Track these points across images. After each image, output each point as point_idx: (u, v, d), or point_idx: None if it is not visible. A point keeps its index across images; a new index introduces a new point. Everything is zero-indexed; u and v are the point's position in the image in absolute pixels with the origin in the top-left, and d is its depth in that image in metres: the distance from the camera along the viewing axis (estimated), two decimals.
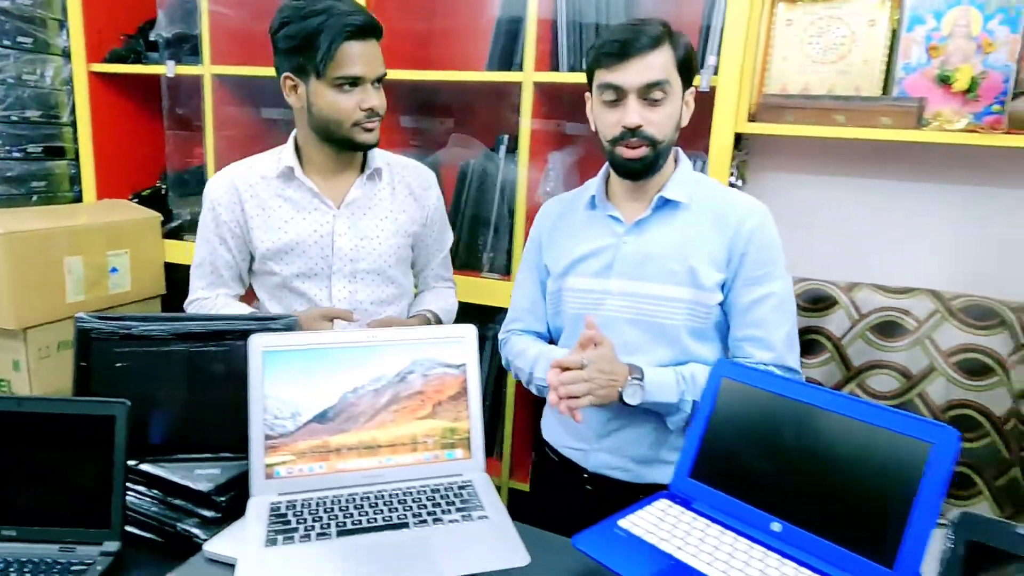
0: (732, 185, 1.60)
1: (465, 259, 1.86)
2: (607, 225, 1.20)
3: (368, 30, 1.19)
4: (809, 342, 1.52)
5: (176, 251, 2.06)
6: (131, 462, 0.97)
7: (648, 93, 1.08)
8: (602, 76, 1.11)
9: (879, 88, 1.48)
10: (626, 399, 1.07)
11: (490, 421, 1.91)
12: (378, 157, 1.34)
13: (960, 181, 1.52)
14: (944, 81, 1.42)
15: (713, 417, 0.95)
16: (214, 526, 0.93)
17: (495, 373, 1.88)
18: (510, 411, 1.82)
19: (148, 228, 2.01)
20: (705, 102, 1.46)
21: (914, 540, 0.74)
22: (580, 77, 1.62)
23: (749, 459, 0.90)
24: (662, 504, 0.92)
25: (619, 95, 1.09)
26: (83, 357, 1.01)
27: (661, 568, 0.78)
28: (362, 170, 1.33)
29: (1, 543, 0.92)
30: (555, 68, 1.67)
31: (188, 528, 0.94)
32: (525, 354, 1.26)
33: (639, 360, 1.13)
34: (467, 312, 1.62)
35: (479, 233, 1.85)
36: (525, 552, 0.82)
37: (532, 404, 1.90)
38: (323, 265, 1.31)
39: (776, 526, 0.85)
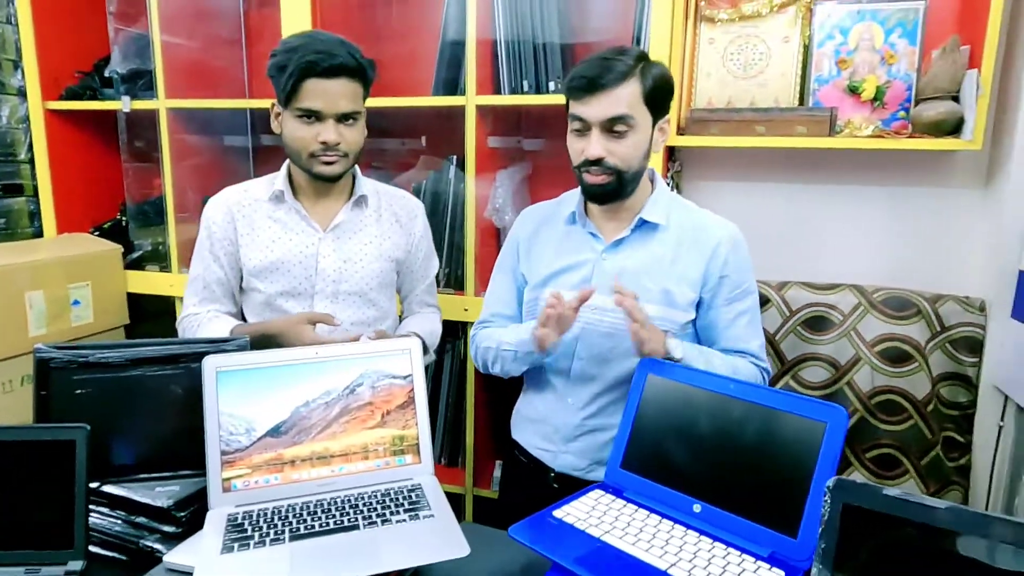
0: None
1: None
2: (587, 241, 1.25)
3: (335, 70, 1.24)
4: None
5: (138, 281, 2.10)
6: (93, 484, 1.01)
7: (612, 126, 1.12)
8: (572, 107, 1.16)
9: (795, 99, 1.59)
10: (671, 351, 1.11)
11: (453, 432, 1.97)
12: (365, 185, 1.41)
13: (873, 182, 1.64)
14: (853, 91, 1.53)
15: (640, 411, 1.03)
16: (175, 541, 0.98)
17: (456, 384, 1.94)
18: (471, 421, 1.88)
19: (109, 260, 2.04)
20: None
21: (814, 510, 0.83)
22: (520, 100, 1.71)
23: (672, 448, 0.98)
24: (595, 494, 0.99)
25: (584, 126, 1.14)
26: (43, 386, 1.05)
27: (588, 550, 0.85)
28: (350, 196, 1.39)
29: None
30: (497, 90, 1.76)
31: (150, 544, 0.99)
32: (492, 335, 1.31)
33: (612, 369, 1.21)
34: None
35: (435, 246, 1.92)
36: (465, 544, 0.88)
37: (495, 413, 1.97)
38: (306, 285, 1.36)
39: (697, 507, 0.93)
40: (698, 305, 1.21)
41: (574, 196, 1.29)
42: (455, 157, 1.86)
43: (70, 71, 2.15)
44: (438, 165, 1.94)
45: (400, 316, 1.56)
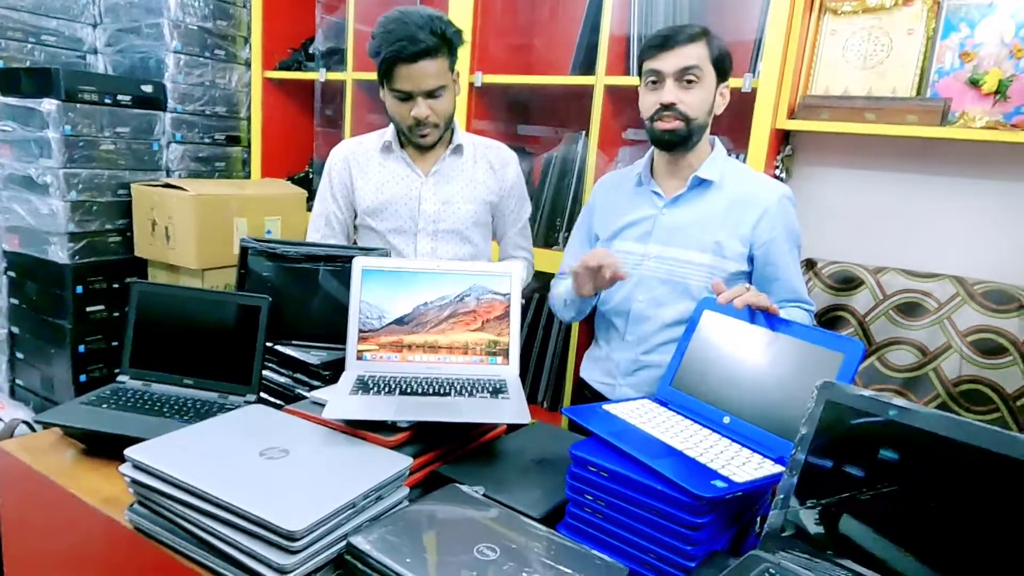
0: (777, 178, 1.80)
1: (545, 236, 2.17)
2: (650, 199, 1.44)
3: (420, 54, 1.41)
4: (835, 318, 1.68)
5: None
6: (268, 343, 1.36)
7: (683, 76, 1.32)
8: (647, 64, 1.36)
9: (914, 91, 1.62)
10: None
11: (556, 379, 2.20)
12: (462, 136, 1.63)
13: (987, 176, 1.62)
14: (974, 84, 1.54)
15: (693, 340, 1.19)
16: None
17: (563, 334, 2.16)
18: (571, 370, 2.09)
19: (296, 201, 2.50)
20: (749, 103, 1.68)
21: None
22: None
23: (714, 371, 1.13)
24: (643, 402, 1.17)
25: (659, 78, 1.34)
26: (243, 266, 1.42)
27: (620, 429, 1.04)
28: (448, 144, 1.63)
29: (185, 388, 1.34)
30: (627, 74, 1.95)
31: (302, 393, 1.32)
32: (558, 285, 1.54)
33: (666, 310, 1.39)
34: (546, 279, 1.91)
35: (557, 214, 2.15)
36: (528, 415, 1.10)
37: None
38: (411, 223, 1.61)
39: (727, 419, 1.08)
40: (751, 259, 1.35)
41: (642, 162, 1.47)
42: (584, 132, 2.07)
43: (284, 48, 2.64)
44: (571, 139, 2.17)
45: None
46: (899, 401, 0.79)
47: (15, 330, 2.49)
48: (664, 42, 1.32)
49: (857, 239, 1.77)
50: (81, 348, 2.32)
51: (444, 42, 1.45)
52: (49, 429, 1.26)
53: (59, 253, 2.25)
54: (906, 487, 0.76)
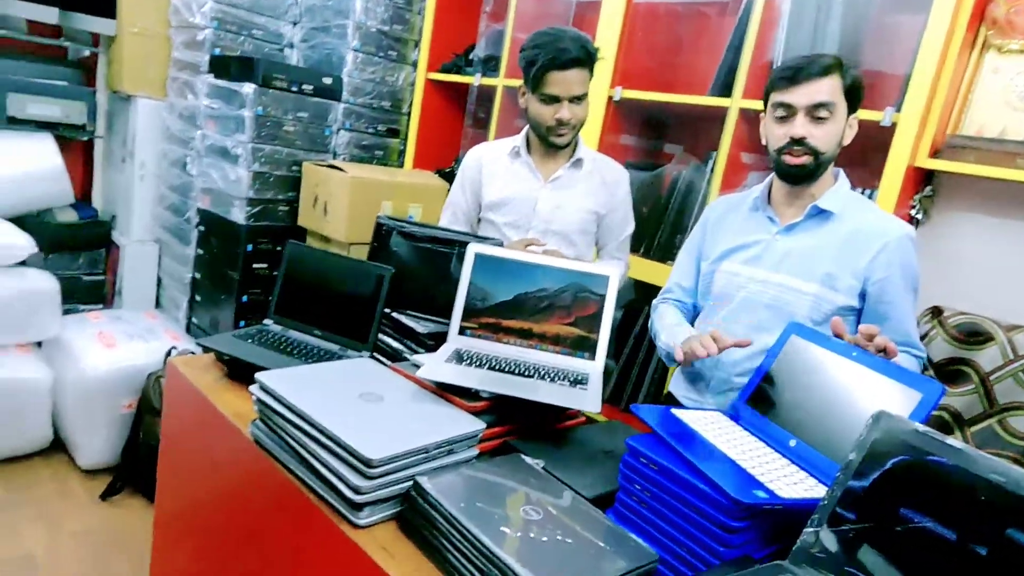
0: (912, 219, 1.72)
1: (664, 251, 2.21)
2: (764, 224, 1.45)
3: (570, 63, 1.59)
4: (955, 372, 1.58)
5: None
6: (387, 309, 1.54)
7: (816, 111, 1.29)
8: (776, 96, 1.34)
9: None
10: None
11: (657, 386, 2.23)
12: (583, 151, 1.77)
13: None
14: None
15: (776, 362, 1.20)
16: None
17: None
18: (671, 378, 2.10)
19: (438, 192, 2.72)
20: (887, 138, 1.63)
21: None
22: None
23: (789, 393, 1.14)
24: (714, 414, 1.20)
25: (789, 112, 1.32)
26: (376, 240, 1.62)
27: (681, 431, 1.08)
28: (570, 157, 1.77)
29: (314, 338, 1.55)
30: None
31: (408, 357, 1.48)
32: (662, 317, 1.56)
33: (765, 337, 1.39)
34: (654, 292, 1.96)
35: (679, 231, 2.18)
36: (599, 405, 1.18)
37: None
38: (524, 221, 1.77)
39: (792, 442, 1.09)
40: (863, 296, 1.31)
41: (760, 187, 1.46)
42: (714, 153, 2.09)
43: (448, 52, 2.88)
44: (701, 159, 2.19)
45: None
46: (954, 441, 0.78)
47: (197, 276, 2.92)
48: (795, 75, 1.29)
49: (991, 292, 1.64)
50: (244, 298, 2.68)
51: (588, 57, 1.63)
52: (206, 354, 1.51)
53: (238, 215, 2.63)
54: (948, 527, 0.76)
